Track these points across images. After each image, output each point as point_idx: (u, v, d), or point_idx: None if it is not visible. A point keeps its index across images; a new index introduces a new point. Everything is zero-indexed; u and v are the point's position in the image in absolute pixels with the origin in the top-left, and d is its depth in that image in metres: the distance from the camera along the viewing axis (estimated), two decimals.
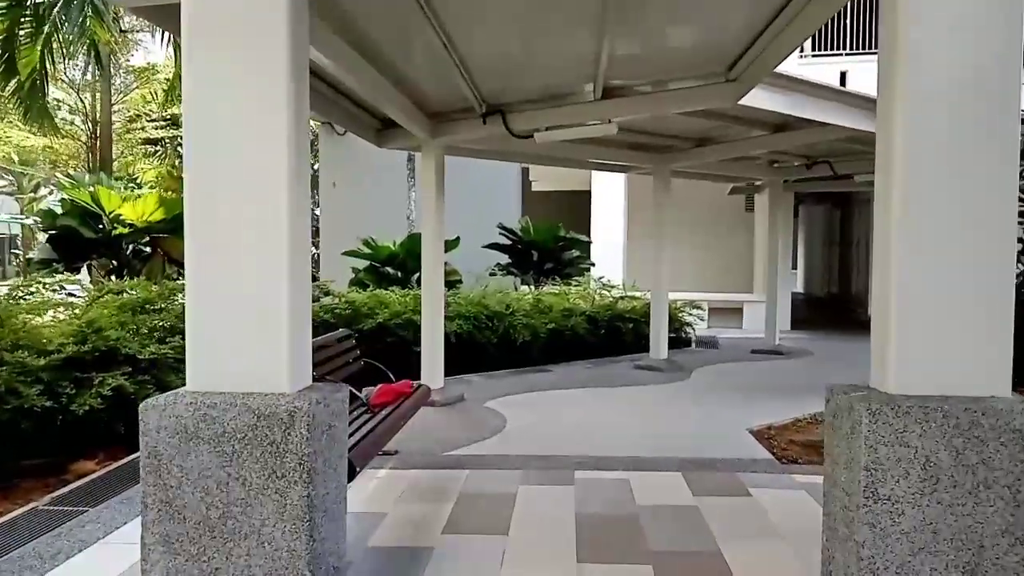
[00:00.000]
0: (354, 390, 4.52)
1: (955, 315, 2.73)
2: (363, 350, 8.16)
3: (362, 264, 10.94)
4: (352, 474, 3.41)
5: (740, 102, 5.89)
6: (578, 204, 15.66)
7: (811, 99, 6.67)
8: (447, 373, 8.14)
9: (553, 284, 11.80)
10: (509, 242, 12.25)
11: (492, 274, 11.87)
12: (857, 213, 17.72)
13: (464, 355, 8.60)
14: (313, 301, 8.51)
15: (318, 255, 15.43)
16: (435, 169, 6.89)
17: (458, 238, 10.62)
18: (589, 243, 13.07)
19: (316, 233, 17.13)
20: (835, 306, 18.82)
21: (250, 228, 2.84)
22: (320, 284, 8.88)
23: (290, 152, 2.82)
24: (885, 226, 2.81)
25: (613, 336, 10.21)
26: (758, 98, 6.21)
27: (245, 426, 2.80)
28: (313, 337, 5.64)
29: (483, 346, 8.74)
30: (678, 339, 10.87)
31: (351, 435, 3.91)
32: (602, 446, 5.38)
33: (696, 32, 5.05)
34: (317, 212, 15.73)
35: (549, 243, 12.07)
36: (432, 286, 7.01)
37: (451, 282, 10.53)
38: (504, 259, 12.41)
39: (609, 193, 14.12)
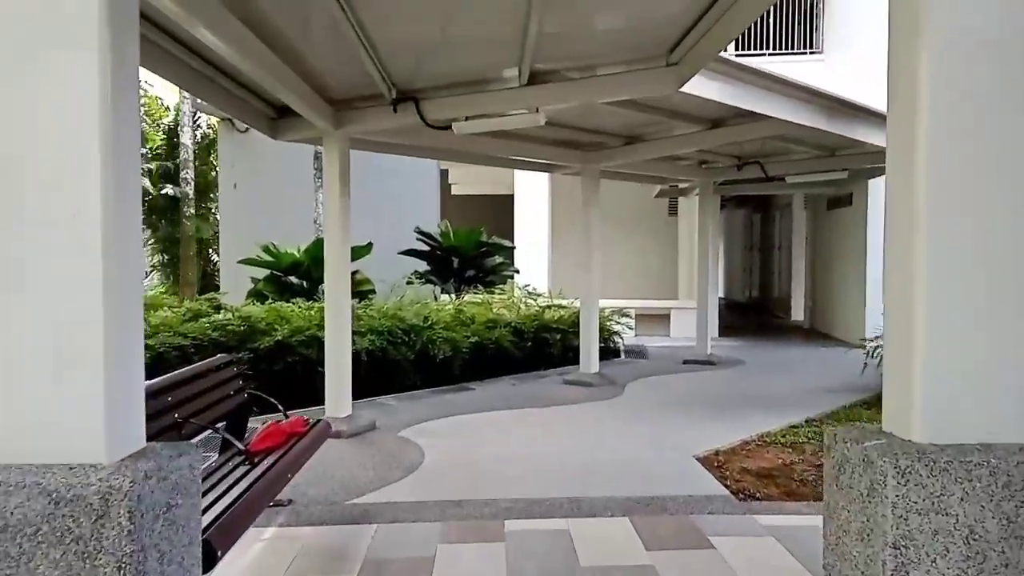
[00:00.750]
0: (228, 436, 3.63)
1: (996, 338, 2.11)
2: (260, 373, 7.20)
3: (263, 273, 9.89)
4: (211, 561, 2.55)
5: (681, 90, 5.28)
6: (500, 208, 14.99)
7: (755, 89, 6.14)
8: (357, 395, 7.29)
9: (475, 292, 11.04)
10: (427, 248, 11.41)
11: (409, 282, 11.01)
12: (778, 217, 17.69)
13: (377, 374, 7.74)
14: (201, 317, 7.50)
15: (216, 265, 14.20)
16: (339, 163, 6.02)
17: (370, 244, 9.72)
18: (512, 248, 12.36)
19: (215, 240, 15.86)
20: (757, 311, 18.77)
21: (42, 220, 1.97)
22: (210, 297, 7.84)
23: (104, 108, 1.96)
24: (905, 224, 2.16)
25: (540, 348, 9.53)
26: (699, 86, 5.63)
27: (38, 516, 1.94)
28: (191, 363, 4.70)
29: (398, 364, 7.89)
30: (607, 349, 10.28)
31: (220, 497, 3.03)
32: (535, 485, 4.64)
33: (634, 6, 4.39)
34: (217, 217, 14.49)
35: (470, 249, 11.29)
36: (337, 298, 6.14)
37: (363, 292, 9.64)
38: (422, 266, 11.56)
39: (533, 196, 13.48)
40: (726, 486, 4.59)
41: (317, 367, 6.93)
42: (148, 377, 5.73)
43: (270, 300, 8.51)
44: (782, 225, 17.31)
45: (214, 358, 4.35)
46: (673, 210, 17.19)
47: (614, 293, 14.31)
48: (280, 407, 4.44)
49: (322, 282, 9.57)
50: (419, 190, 13.74)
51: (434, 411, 6.89)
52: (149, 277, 22.68)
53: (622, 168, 8.99)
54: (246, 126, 13.84)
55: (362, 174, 14.02)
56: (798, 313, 15.51)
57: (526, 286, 10.74)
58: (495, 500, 4.31)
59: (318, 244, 9.30)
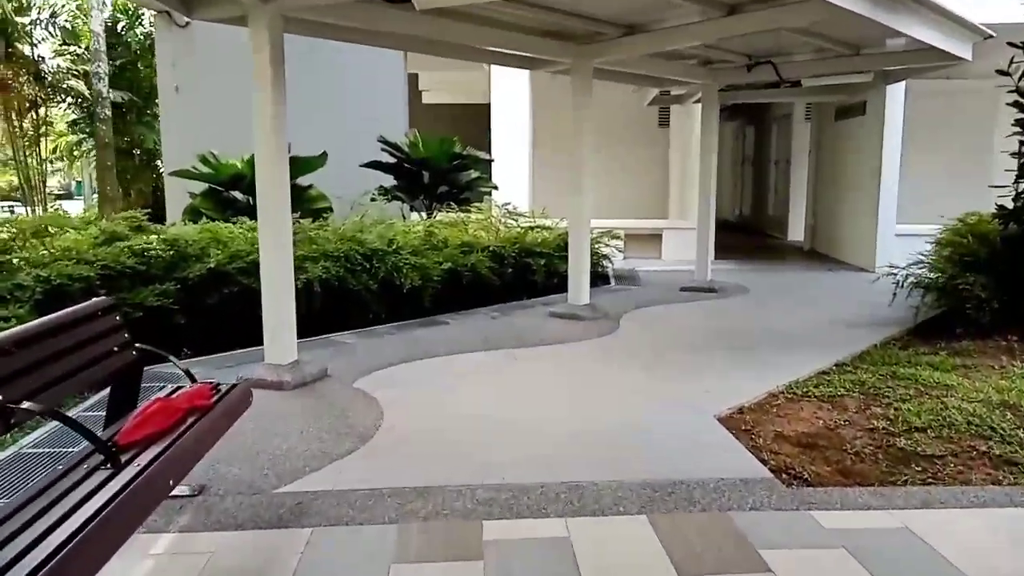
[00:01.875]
0: (76, 423, 2.52)
1: None
2: (189, 308, 6.06)
3: (202, 188, 8.61)
4: None
5: None
6: (477, 119, 13.54)
7: None
8: (309, 333, 6.24)
9: (449, 211, 9.85)
10: (394, 160, 10.11)
11: (373, 199, 9.75)
12: (775, 129, 16.49)
13: (333, 307, 6.63)
14: (116, 240, 6.29)
15: (161, 180, 12.79)
16: (269, 49, 4.73)
17: (324, 154, 8.42)
18: (490, 162, 11.09)
19: (157, 154, 14.40)
20: (748, 230, 17.77)
21: None
22: (129, 216, 6.60)
23: None
24: None
25: (522, 274, 8.46)
26: None
27: None
28: (66, 306, 3.51)
29: (358, 295, 6.78)
30: (595, 274, 9.21)
31: (38, 541, 1.95)
32: (521, 462, 3.64)
33: None
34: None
35: (443, 161, 10.01)
36: (273, 217, 4.96)
37: (318, 210, 8.43)
38: (388, 181, 10.28)
39: (512, 102, 12.12)
40: (763, 461, 3.62)
41: (260, 299, 5.81)
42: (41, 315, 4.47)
43: (204, 219, 7.28)
44: (779, 138, 16.13)
45: (86, 303, 3.20)
46: (664, 120, 15.88)
47: (598, 211, 13.19)
48: (182, 368, 3.34)
49: None
50: (384, 95, 12.27)
51: (399, 352, 5.83)
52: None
53: (617, 66, 7.71)
54: (186, 20, 12.19)
55: (314, 73, 12.42)
56: (796, 233, 14.53)
57: (505, 204, 9.55)
58: (470, 488, 3.30)
59: None
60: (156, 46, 12.50)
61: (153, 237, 6.23)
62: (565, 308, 7.39)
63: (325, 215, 8.03)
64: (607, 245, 9.69)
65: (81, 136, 16.63)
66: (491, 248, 8.24)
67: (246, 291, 6.12)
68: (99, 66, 9.72)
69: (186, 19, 12.34)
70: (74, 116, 16.52)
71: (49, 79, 15.33)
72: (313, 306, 6.48)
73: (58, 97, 15.86)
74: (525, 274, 8.55)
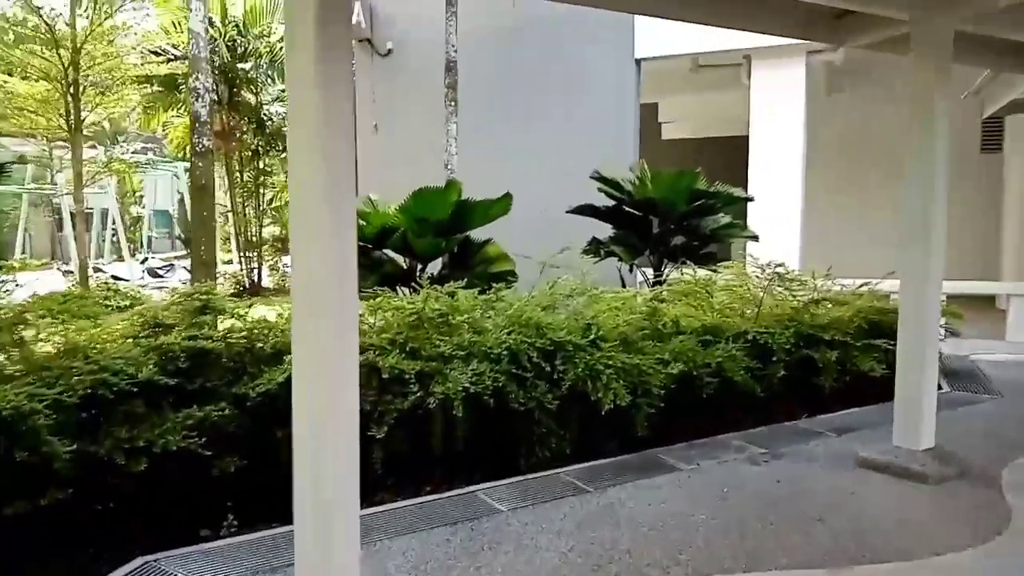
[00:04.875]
0: None
1: None
2: (254, 438, 3.83)
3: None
4: None
5: None
6: (731, 155, 10.51)
7: None
8: (440, 484, 3.83)
9: (685, 272, 6.91)
10: (612, 203, 7.45)
11: (585, 254, 7.13)
12: None
13: (482, 438, 4.13)
14: (158, 328, 4.21)
15: None
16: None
17: (508, 196, 5.97)
18: (747, 200, 8.00)
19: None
20: None
21: None
22: (192, 292, 4.56)
23: None
24: None
25: (797, 373, 5.37)
26: None
27: None
28: None
29: (527, 416, 4.19)
30: None
31: None
32: None
33: None
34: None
35: (680, 202, 7.13)
36: (321, 297, 2.53)
37: (497, 275, 6.00)
38: (605, 230, 7.58)
39: (779, 120, 9.03)
40: None
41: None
42: None
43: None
44: None
45: None
46: (991, 143, 11.63)
47: (877, 268, 9.45)
48: None
49: (430, 257, 6.11)
50: (610, 129, 9.74)
51: (571, 556, 3.11)
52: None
53: (992, 28, 4.42)
54: (389, 47, 10.76)
55: (510, 93, 10.25)
56: None
57: (779, 264, 6.28)
58: None
59: (421, 197, 5.75)
60: (357, 78, 11.22)
61: (229, 322, 4.16)
62: (886, 453, 4.16)
63: (500, 287, 5.45)
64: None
65: None
66: (751, 335, 5.25)
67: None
68: (197, 78, 7.64)
69: (389, 45, 10.98)
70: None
71: (269, 127, 14.96)
72: (452, 441, 4.01)
73: (277, 145, 15.49)
74: (802, 372, 5.44)
